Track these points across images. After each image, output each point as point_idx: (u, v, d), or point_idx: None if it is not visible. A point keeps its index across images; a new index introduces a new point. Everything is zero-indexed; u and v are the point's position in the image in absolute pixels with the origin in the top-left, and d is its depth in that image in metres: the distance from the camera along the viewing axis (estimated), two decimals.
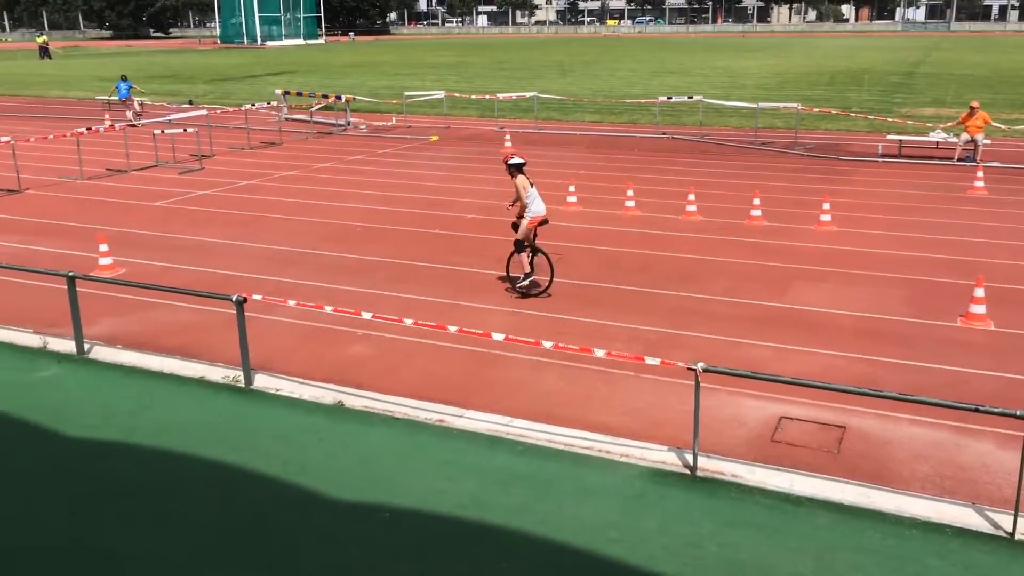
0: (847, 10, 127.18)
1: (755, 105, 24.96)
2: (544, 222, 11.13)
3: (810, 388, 7.70)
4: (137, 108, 29.10)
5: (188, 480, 6.93)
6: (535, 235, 11.17)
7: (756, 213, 14.93)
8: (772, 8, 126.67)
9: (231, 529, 6.25)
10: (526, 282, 11.12)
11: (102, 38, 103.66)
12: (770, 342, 9.66)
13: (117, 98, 28.92)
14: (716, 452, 7.23)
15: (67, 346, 9.51)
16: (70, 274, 9.33)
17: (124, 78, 29.26)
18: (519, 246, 11.09)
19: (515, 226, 11.21)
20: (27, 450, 7.40)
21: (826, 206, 14.59)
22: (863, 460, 7.15)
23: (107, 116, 28.64)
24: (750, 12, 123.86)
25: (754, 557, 5.87)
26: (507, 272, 11.63)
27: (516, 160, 11.03)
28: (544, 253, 11.25)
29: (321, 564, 5.86)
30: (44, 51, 64.40)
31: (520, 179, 10.97)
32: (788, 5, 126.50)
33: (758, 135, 24.26)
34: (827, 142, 23.56)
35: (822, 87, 37.72)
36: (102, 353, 9.43)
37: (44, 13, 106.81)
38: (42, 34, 75.82)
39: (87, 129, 20.55)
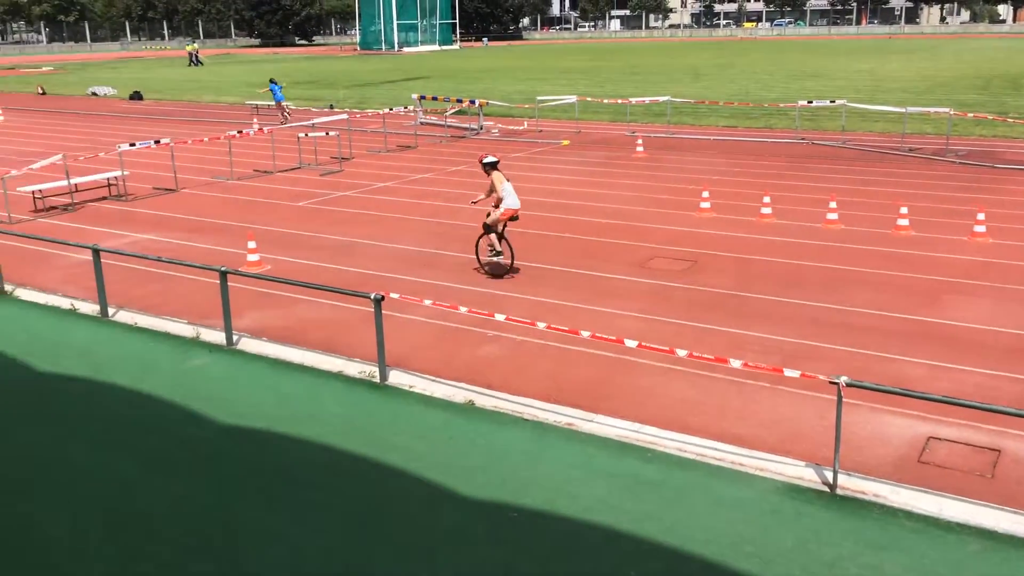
0: (1004, 10, 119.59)
1: (902, 110, 23.82)
2: (515, 217, 12.19)
3: (962, 408, 7.27)
4: (287, 111, 30.62)
5: (324, 469, 7.18)
6: (504, 226, 12.23)
7: (903, 222, 14.24)
8: (921, 8, 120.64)
9: (363, 519, 6.44)
10: (494, 258, 12.26)
11: (251, 45, 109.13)
12: (917, 358, 9.19)
13: (273, 101, 30.66)
14: (858, 471, 6.93)
15: (217, 337, 10.04)
16: (222, 269, 9.85)
17: (273, 81, 30.76)
18: (488, 229, 12.17)
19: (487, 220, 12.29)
20: (178, 433, 7.85)
21: (980, 216, 13.76)
22: (1020, 486, 6.69)
23: (255, 120, 30.07)
24: (897, 13, 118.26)
25: None
26: (476, 255, 12.62)
27: (490, 159, 12.18)
28: (508, 241, 12.28)
29: (449, 559, 5.95)
30: (194, 58, 68.61)
31: (496, 175, 12.06)
32: (939, 5, 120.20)
33: (905, 141, 23.15)
34: (982, 149, 22.23)
35: (976, 91, 35.63)
36: (249, 345, 9.91)
37: (200, 23, 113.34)
38: (193, 42, 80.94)
39: (238, 132, 21.67)
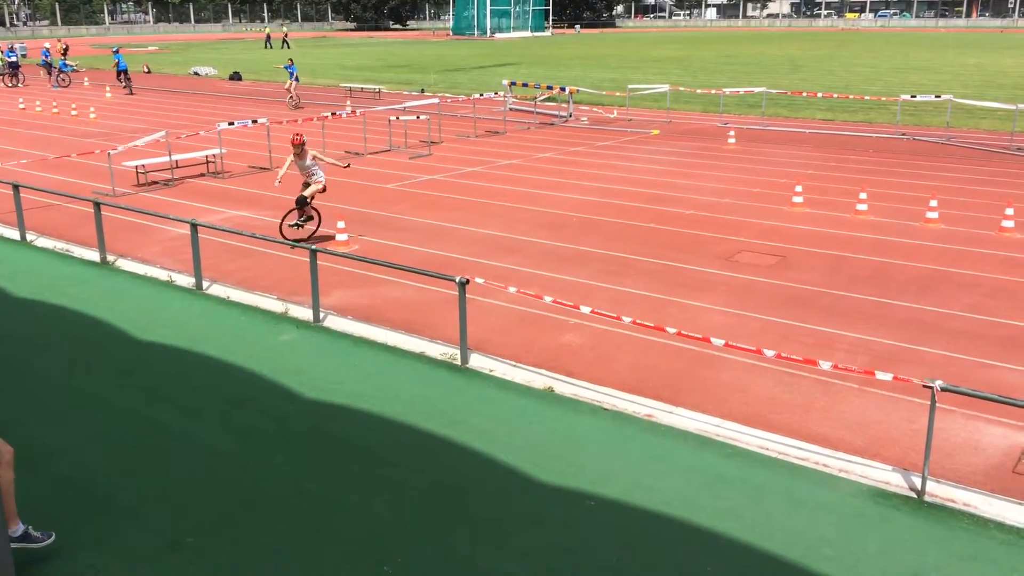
0: None
1: (1013, 107, 22.73)
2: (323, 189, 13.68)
3: None
4: (293, 93, 30.60)
5: (404, 447, 7.30)
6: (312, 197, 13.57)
7: (1008, 224, 13.62)
8: None
9: (440, 498, 6.52)
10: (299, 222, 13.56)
11: (346, 29, 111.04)
12: (1018, 365, 8.79)
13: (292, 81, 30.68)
14: (948, 478, 6.68)
15: (305, 314, 10.29)
16: (312, 247, 10.09)
17: (291, 62, 30.85)
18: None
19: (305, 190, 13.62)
20: (268, 405, 8.09)
21: None
22: None
23: (348, 102, 30.60)
24: (1011, 5, 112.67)
25: None
26: (280, 224, 13.51)
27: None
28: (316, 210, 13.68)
29: (523, 542, 5.98)
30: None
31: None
32: None
33: (1015, 139, 22.09)
34: None
35: None
36: (335, 323, 10.12)
37: (298, 6, 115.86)
38: (273, 25, 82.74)
39: (331, 114, 22.09)
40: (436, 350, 9.28)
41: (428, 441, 7.40)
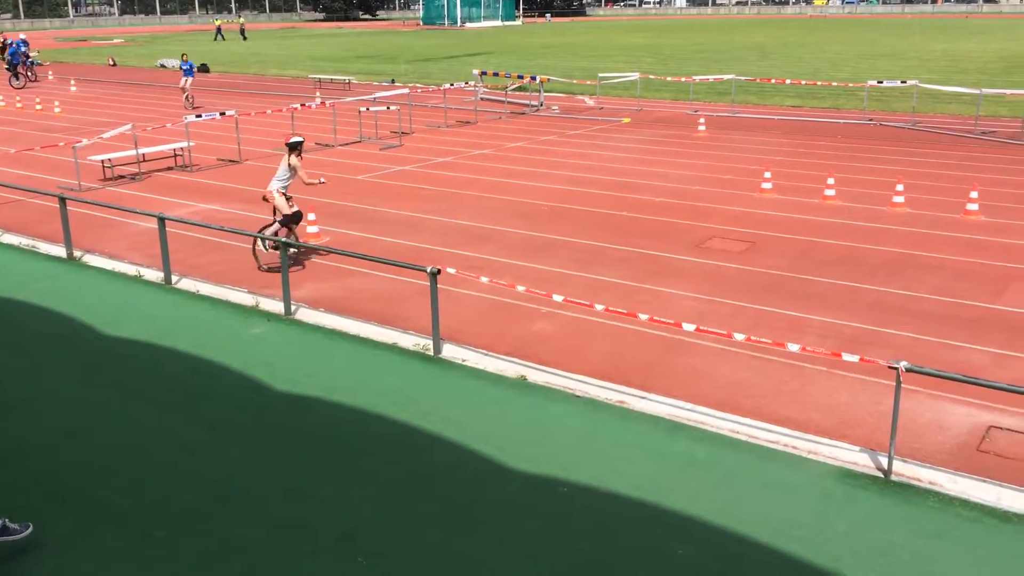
0: None
1: (977, 91, 23.03)
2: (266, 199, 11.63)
3: None
4: (189, 92, 28.14)
5: (378, 438, 7.30)
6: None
7: (972, 207, 13.83)
8: None
9: (416, 488, 6.53)
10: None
11: (316, 20, 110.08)
12: (983, 346, 8.95)
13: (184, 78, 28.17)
14: (914, 457, 6.80)
15: (276, 307, 10.24)
16: (282, 240, 10.03)
17: (185, 58, 28.35)
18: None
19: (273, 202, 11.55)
20: (240, 399, 8.05)
21: None
22: None
23: (318, 93, 30.39)
24: None
25: (950, 571, 5.49)
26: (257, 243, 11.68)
27: (293, 139, 11.62)
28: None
29: (498, 530, 6.02)
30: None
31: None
32: None
33: (979, 124, 22.40)
34: None
35: None
36: (306, 315, 10.08)
37: None
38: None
39: (300, 105, 21.93)
40: (409, 341, 9.28)
41: (401, 431, 7.41)
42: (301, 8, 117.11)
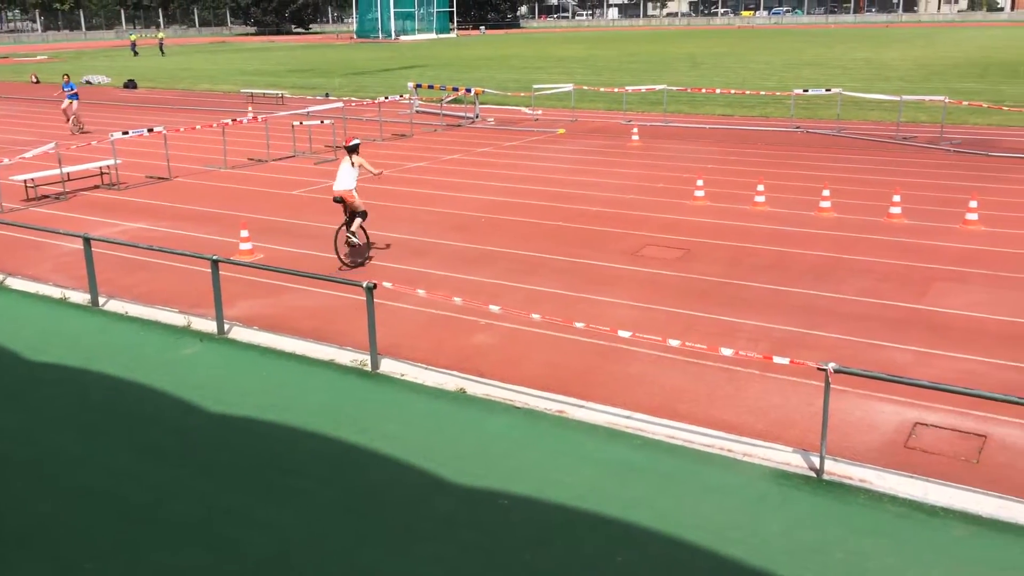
0: None
1: (898, 98, 23.79)
2: (338, 199, 12.38)
3: (949, 394, 7.30)
4: (75, 116, 26.30)
5: (315, 458, 7.20)
6: (345, 210, 12.48)
7: (895, 211, 14.26)
8: None
9: (352, 507, 6.46)
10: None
11: (247, 34, 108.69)
12: (907, 345, 9.22)
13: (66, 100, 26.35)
14: (844, 456, 6.96)
15: (208, 326, 10.04)
16: (213, 258, 9.85)
17: (67, 79, 26.61)
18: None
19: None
20: (170, 422, 7.86)
21: (973, 204, 13.78)
22: (1005, 471, 6.73)
23: (250, 108, 29.97)
24: (895, 2, 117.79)
25: (882, 566, 5.63)
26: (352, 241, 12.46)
27: (356, 141, 12.58)
28: (347, 228, 12.47)
29: (436, 546, 5.98)
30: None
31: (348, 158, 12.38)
32: None
33: (900, 130, 23.13)
34: (977, 138, 22.22)
35: (973, 80, 35.59)
36: (240, 333, 9.91)
37: (195, 10, 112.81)
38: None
39: (231, 120, 21.60)
40: (346, 357, 9.18)
41: (339, 449, 7.32)
42: (232, 22, 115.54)
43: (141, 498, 6.59)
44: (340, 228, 12.45)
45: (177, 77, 47.26)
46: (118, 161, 18.67)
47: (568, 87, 29.15)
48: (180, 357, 9.33)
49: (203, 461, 7.13)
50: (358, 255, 12.62)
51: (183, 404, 8.16)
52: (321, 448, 7.34)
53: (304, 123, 22.32)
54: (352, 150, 12.37)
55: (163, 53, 66.92)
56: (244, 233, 12.96)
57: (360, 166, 12.42)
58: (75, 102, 26.77)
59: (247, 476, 6.89)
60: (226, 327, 9.96)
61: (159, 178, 19.10)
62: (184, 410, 8.05)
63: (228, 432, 7.64)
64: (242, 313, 10.51)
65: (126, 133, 19.08)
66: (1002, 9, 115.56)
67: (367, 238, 12.87)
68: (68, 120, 26.68)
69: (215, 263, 9.79)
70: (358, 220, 12.35)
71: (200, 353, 9.42)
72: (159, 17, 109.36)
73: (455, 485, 6.71)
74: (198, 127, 21.89)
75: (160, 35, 74.52)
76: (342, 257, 12.39)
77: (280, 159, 21.31)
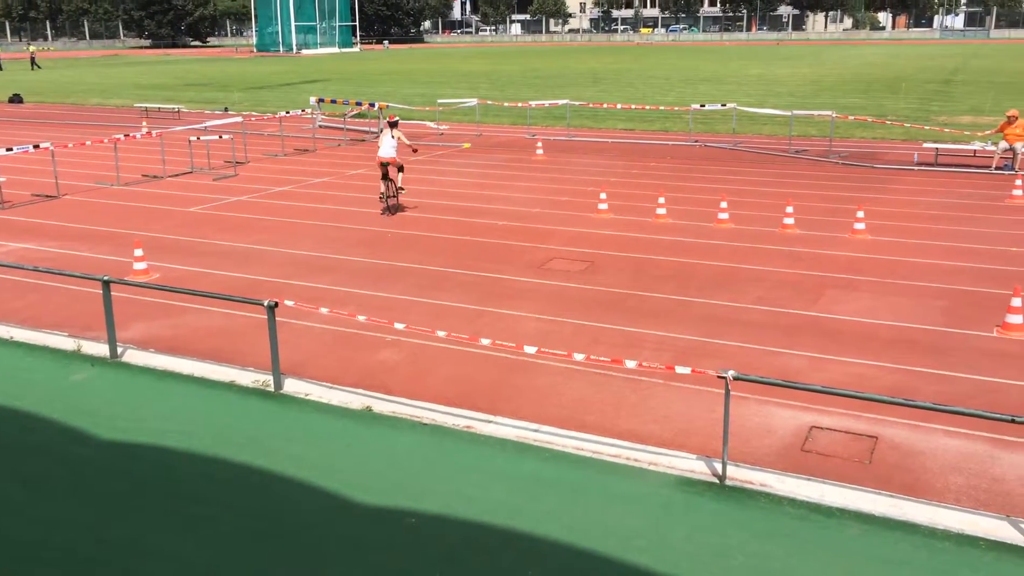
0: (884, 18, 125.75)
1: (789, 113, 24.75)
2: (384, 164, 16.00)
3: (842, 397, 7.59)
4: None
5: (216, 483, 6.97)
6: (384, 171, 16.07)
7: (789, 221, 14.78)
8: (807, 16, 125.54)
9: (257, 532, 6.27)
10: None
11: (141, 47, 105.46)
12: (802, 351, 9.54)
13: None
14: (745, 461, 7.14)
15: (100, 350, 9.64)
16: (104, 278, 9.46)
17: None
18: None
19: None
20: (59, 451, 7.50)
21: (860, 214, 14.41)
22: (895, 471, 7.02)
23: (144, 123, 29.04)
24: (785, 20, 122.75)
25: (783, 568, 5.79)
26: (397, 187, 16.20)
27: (396, 118, 16.65)
28: (391, 183, 16.30)
29: (344, 569, 5.86)
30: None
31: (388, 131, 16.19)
32: (824, 13, 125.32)
33: (792, 143, 24.04)
34: (862, 150, 23.28)
35: (858, 95, 37.31)
36: (135, 357, 9.54)
37: (86, 23, 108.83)
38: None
39: (124, 136, 20.87)
40: (248, 378, 8.95)
41: (240, 473, 7.11)
42: (124, 35, 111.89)
43: (28, 533, 6.25)
44: (386, 184, 16.12)
45: (67, 91, 45.46)
46: (1, 179, 17.79)
47: (473, 102, 29.27)
48: (70, 383, 8.92)
49: (95, 492, 6.82)
50: (397, 205, 16.35)
51: (73, 432, 7.80)
52: (223, 473, 7.12)
53: (202, 138, 21.73)
54: (394, 125, 16.07)
55: (36, 67, 63.76)
56: (138, 252, 12.51)
57: (399, 139, 15.89)
58: None
59: (143, 505, 6.62)
60: (120, 350, 9.58)
61: (47, 196, 18.29)
62: (73, 438, 7.69)
63: (122, 460, 7.33)
64: (137, 336, 10.13)
65: (10, 150, 18.21)
66: (884, 28, 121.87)
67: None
68: None
69: (106, 283, 9.41)
70: (401, 175, 16.23)
71: (91, 378, 9.03)
72: (47, 30, 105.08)
73: (363, 506, 6.60)
74: (88, 143, 21.06)
75: (32, 49, 70.97)
76: (389, 203, 16.25)
77: (177, 175, 20.69)
